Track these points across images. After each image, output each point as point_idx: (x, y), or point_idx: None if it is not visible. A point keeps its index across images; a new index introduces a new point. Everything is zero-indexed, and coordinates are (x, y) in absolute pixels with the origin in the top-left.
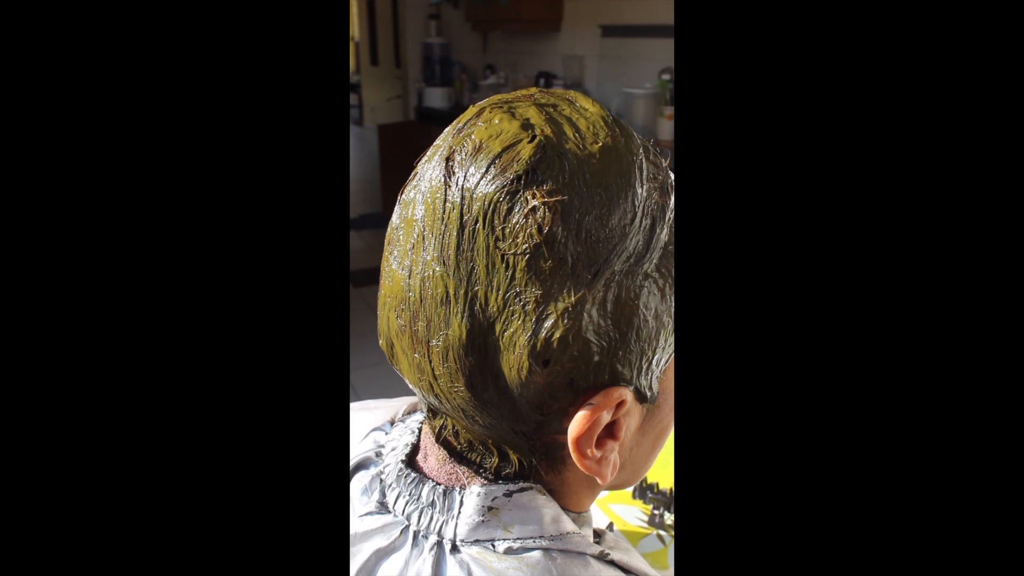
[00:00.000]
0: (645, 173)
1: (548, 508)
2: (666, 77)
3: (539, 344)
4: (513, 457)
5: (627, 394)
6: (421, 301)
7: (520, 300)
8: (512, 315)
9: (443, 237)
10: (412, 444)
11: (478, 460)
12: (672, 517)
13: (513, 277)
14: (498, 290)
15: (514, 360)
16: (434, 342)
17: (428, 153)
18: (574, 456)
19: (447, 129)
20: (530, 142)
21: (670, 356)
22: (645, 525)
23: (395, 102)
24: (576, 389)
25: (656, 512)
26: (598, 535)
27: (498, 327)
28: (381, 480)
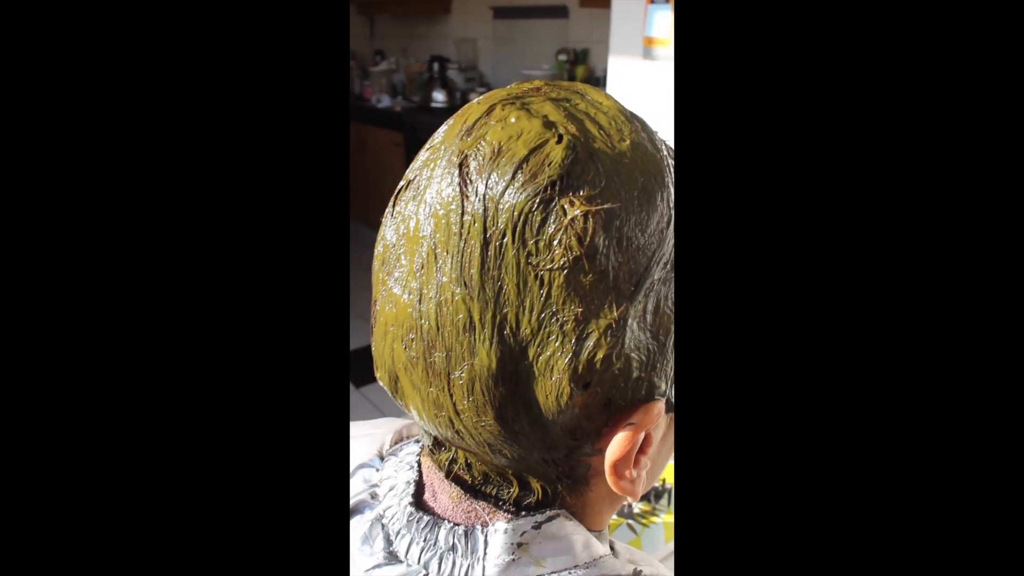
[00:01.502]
0: (670, 168)
1: (578, 534)
2: (563, 58)
3: (581, 366)
4: (535, 485)
5: (662, 407)
6: (438, 329)
7: (557, 320)
8: (548, 337)
9: (462, 255)
10: (415, 482)
11: (495, 492)
12: (639, 507)
13: (549, 295)
14: (531, 311)
15: (552, 386)
16: (456, 374)
17: (423, 159)
18: (610, 480)
19: (444, 131)
20: (559, 142)
21: None
22: (615, 516)
23: None
24: (612, 409)
25: (624, 503)
26: (612, 547)
27: (531, 351)
28: (383, 525)
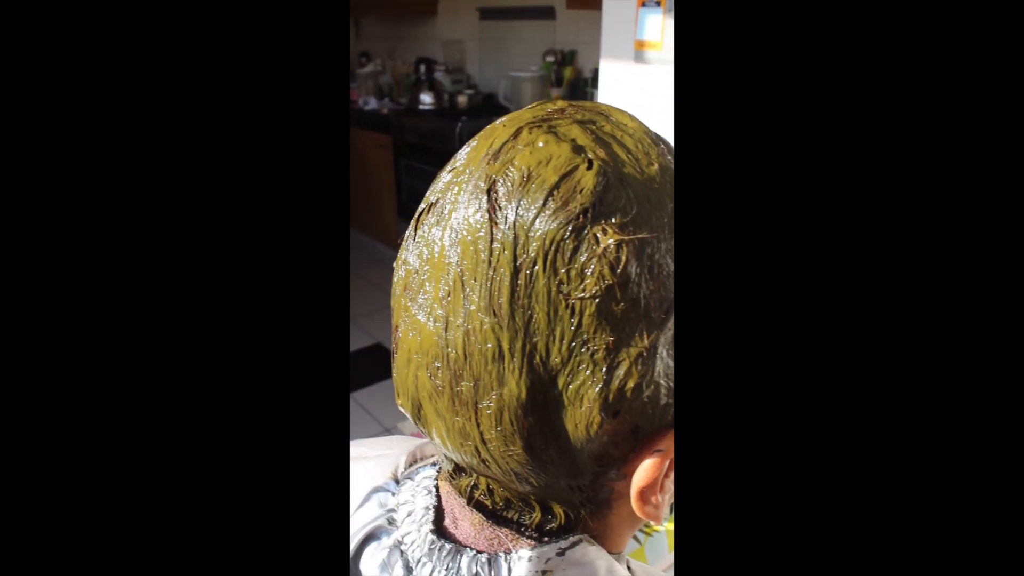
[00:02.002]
0: None
1: (601, 559)
2: (550, 59)
3: (611, 395)
4: (558, 510)
5: None
6: (466, 358)
7: (588, 349)
8: (579, 366)
9: (491, 283)
10: (434, 507)
11: (516, 518)
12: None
13: (580, 324)
14: (562, 340)
15: (582, 415)
16: (484, 403)
17: (445, 180)
18: (636, 506)
19: (467, 152)
20: (589, 168)
21: None
22: None
23: None
24: (639, 435)
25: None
26: (629, 567)
27: (561, 380)
28: (402, 552)
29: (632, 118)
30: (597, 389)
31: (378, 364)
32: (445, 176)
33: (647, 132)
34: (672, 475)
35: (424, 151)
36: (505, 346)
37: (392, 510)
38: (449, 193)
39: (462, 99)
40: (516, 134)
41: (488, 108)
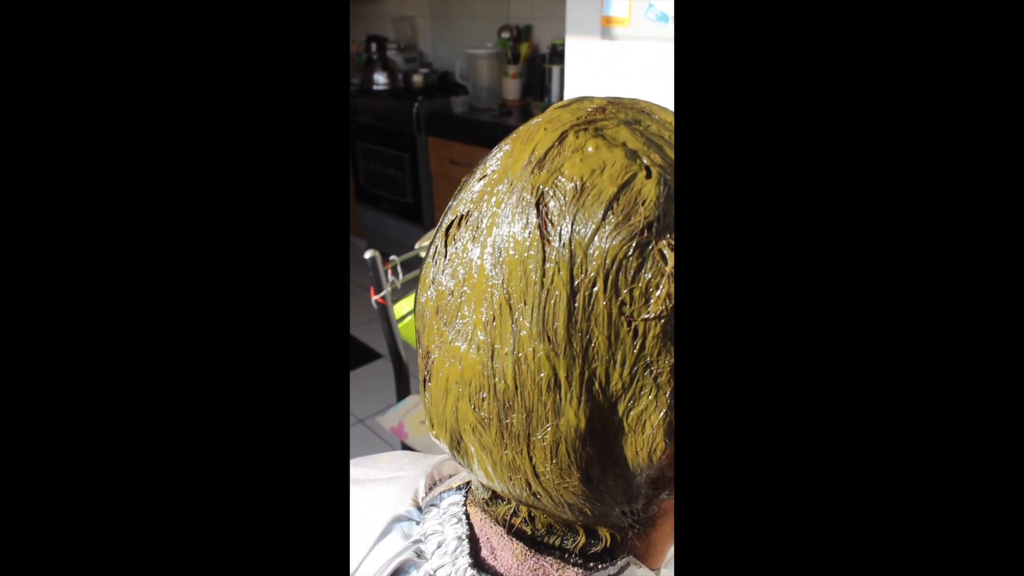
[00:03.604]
0: None
1: None
2: (506, 35)
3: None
4: (603, 533)
5: None
6: (517, 389)
7: (651, 373)
8: (641, 391)
9: (544, 307)
10: (467, 537)
11: (559, 543)
12: None
13: (643, 347)
14: (623, 364)
15: (644, 442)
16: (538, 436)
17: (477, 190)
18: None
19: (500, 158)
20: (648, 177)
21: None
22: None
23: None
24: None
25: None
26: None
27: (621, 407)
28: None
29: (672, 114)
30: (662, 414)
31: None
32: (476, 184)
33: None
34: None
35: (380, 132)
36: (562, 374)
37: (419, 541)
38: (485, 205)
39: (417, 78)
40: (561, 139)
41: (444, 87)
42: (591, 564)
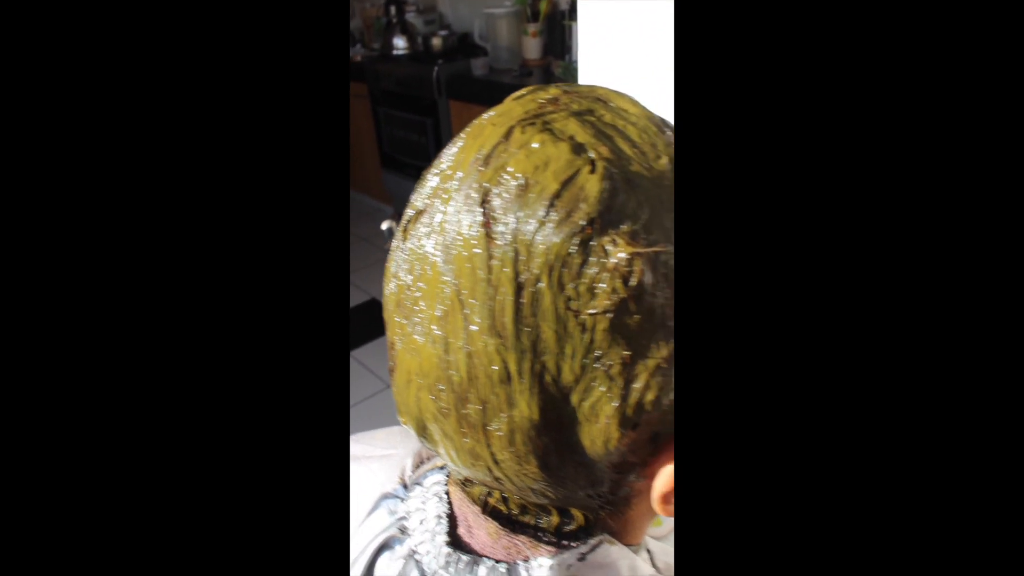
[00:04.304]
0: None
1: (623, 558)
2: None
3: (629, 410)
4: (576, 512)
5: None
6: (470, 381)
7: (602, 365)
8: (593, 382)
9: (493, 303)
10: (447, 515)
11: (534, 522)
12: None
13: (592, 340)
14: (573, 357)
15: (599, 431)
16: (493, 426)
17: (432, 185)
18: (658, 508)
19: (454, 153)
20: (592, 171)
21: None
22: None
23: None
24: (658, 440)
25: None
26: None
27: (575, 398)
28: (417, 562)
29: (633, 102)
30: (615, 405)
31: (374, 320)
32: (432, 180)
33: (651, 118)
34: None
35: (402, 98)
36: (512, 368)
37: (403, 518)
38: (438, 201)
39: (436, 41)
40: (508, 134)
41: (464, 49)
42: (564, 542)
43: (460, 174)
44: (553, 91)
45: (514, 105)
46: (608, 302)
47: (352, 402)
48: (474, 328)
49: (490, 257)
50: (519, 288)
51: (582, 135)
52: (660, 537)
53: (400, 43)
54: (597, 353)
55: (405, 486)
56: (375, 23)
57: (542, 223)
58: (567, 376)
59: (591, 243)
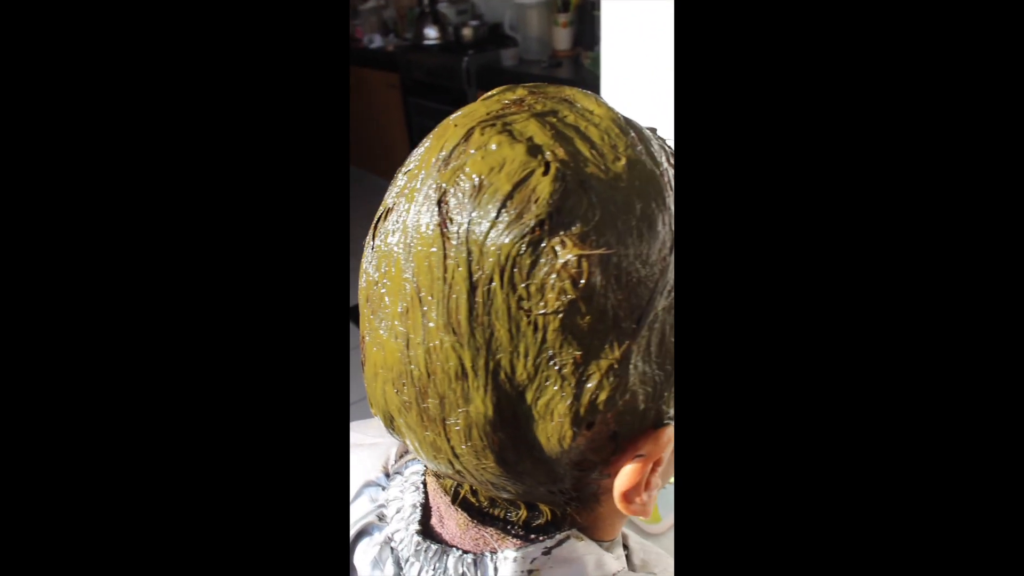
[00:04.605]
0: (672, 184)
1: (590, 554)
2: None
3: (582, 409)
4: (544, 508)
5: (671, 432)
6: (429, 376)
7: (555, 364)
8: (546, 381)
9: (448, 301)
10: (421, 505)
11: (503, 515)
12: None
13: (544, 340)
14: (526, 356)
15: (553, 429)
16: (451, 420)
17: (400, 185)
18: (620, 506)
19: (420, 153)
20: (545, 173)
21: None
22: None
23: None
24: (619, 439)
25: None
26: (625, 544)
27: (529, 395)
28: (392, 549)
29: (599, 103)
30: (567, 404)
31: None
32: (400, 179)
33: (615, 120)
34: (660, 470)
35: (433, 88)
36: (467, 364)
37: (382, 505)
38: (403, 199)
39: (467, 31)
40: (468, 136)
41: (495, 39)
42: (532, 536)
43: (423, 174)
44: (520, 92)
45: (479, 106)
46: (558, 303)
47: (352, 399)
48: (432, 325)
49: (445, 256)
50: (473, 287)
51: (541, 136)
52: (659, 534)
53: (431, 33)
54: (549, 352)
55: (387, 475)
56: (408, 13)
57: (494, 224)
58: (521, 374)
59: (541, 244)
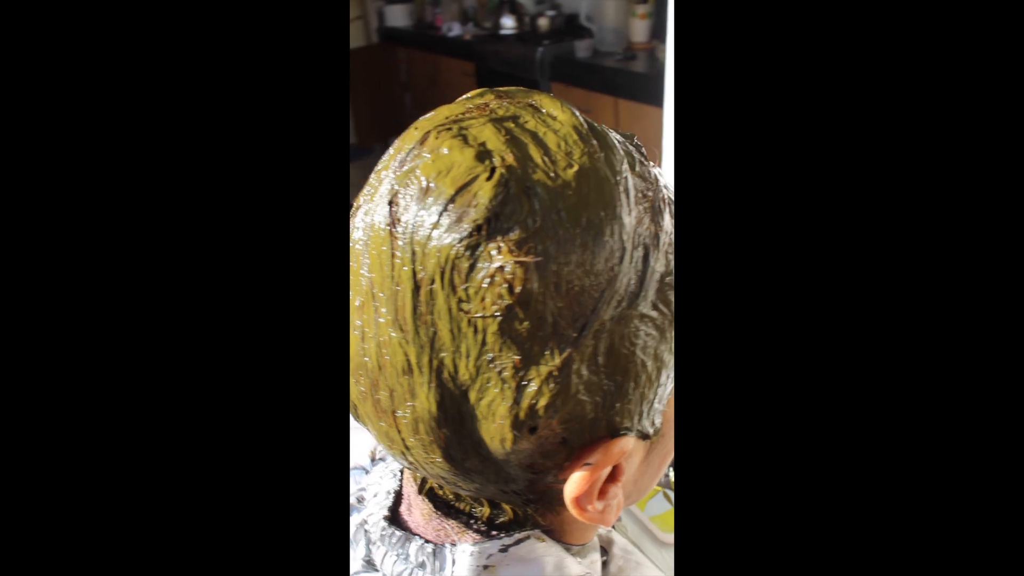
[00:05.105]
0: (633, 195)
1: (549, 556)
2: None
3: (522, 413)
4: (506, 506)
5: (629, 443)
6: (380, 369)
7: (495, 366)
8: (488, 383)
9: (396, 299)
10: (395, 492)
11: (468, 510)
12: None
13: (484, 342)
14: (468, 356)
15: (495, 431)
16: (400, 413)
17: (371, 182)
18: (574, 512)
19: (390, 153)
20: (488, 178)
21: (672, 387)
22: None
23: (357, 24)
24: (570, 446)
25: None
26: (605, 550)
27: (472, 395)
28: (366, 532)
29: (564, 108)
30: (507, 406)
31: None
32: (372, 177)
33: (577, 126)
34: (622, 479)
35: (507, 79)
36: (413, 360)
37: (363, 489)
38: (367, 197)
39: (543, 21)
40: (423, 139)
41: (571, 29)
42: (493, 533)
43: (384, 173)
44: (488, 96)
45: (444, 109)
46: (495, 307)
47: None
48: (382, 320)
49: (393, 255)
50: (417, 286)
51: (494, 142)
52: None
53: (508, 23)
54: (489, 355)
55: (373, 460)
56: (488, 2)
57: (436, 225)
58: (463, 374)
59: (479, 248)
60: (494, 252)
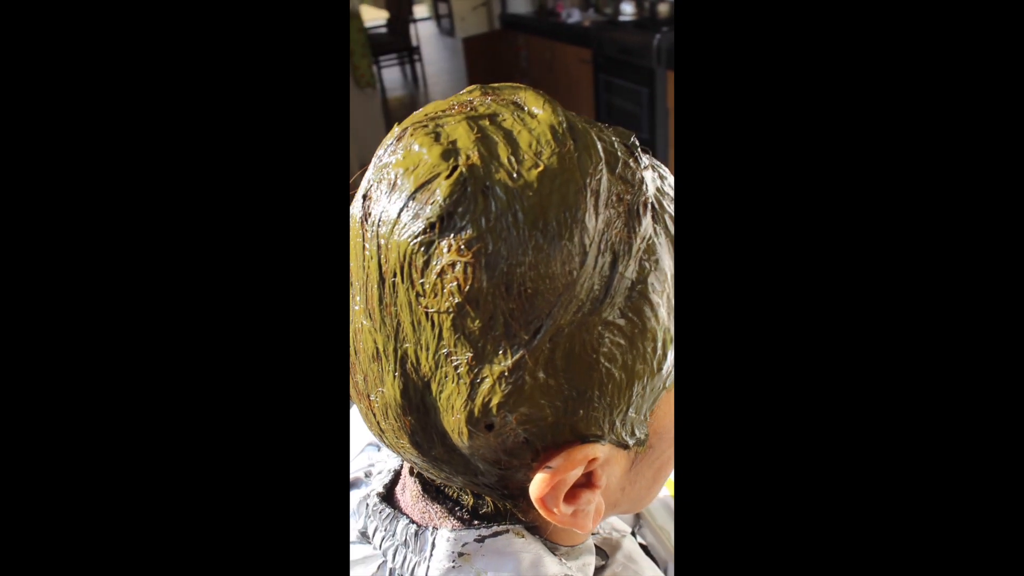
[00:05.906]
0: (603, 198)
1: (527, 552)
2: None
3: (476, 410)
4: (488, 498)
5: (598, 451)
6: (356, 353)
7: (452, 361)
8: (446, 376)
9: (366, 288)
10: (395, 471)
11: (455, 497)
12: None
13: (441, 336)
14: (427, 349)
15: (454, 424)
16: (373, 397)
17: (363, 174)
18: (541, 512)
19: (380, 149)
20: (448, 176)
21: (657, 398)
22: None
23: (480, 10)
24: (534, 447)
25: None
26: (605, 554)
27: (434, 387)
28: (368, 505)
29: (547, 106)
30: (462, 401)
31: None
32: (364, 171)
33: (554, 126)
34: (600, 486)
35: (623, 66)
36: (381, 348)
37: (372, 465)
38: (356, 192)
39: (663, 8)
40: (401, 135)
41: None
42: (475, 522)
43: (370, 167)
44: (475, 94)
45: (432, 105)
46: (447, 303)
47: None
48: (357, 308)
49: (364, 247)
50: (382, 278)
51: (464, 140)
52: None
53: (628, 8)
54: (445, 350)
55: None
56: None
57: (396, 220)
58: (425, 365)
59: (433, 245)
60: (445, 249)
